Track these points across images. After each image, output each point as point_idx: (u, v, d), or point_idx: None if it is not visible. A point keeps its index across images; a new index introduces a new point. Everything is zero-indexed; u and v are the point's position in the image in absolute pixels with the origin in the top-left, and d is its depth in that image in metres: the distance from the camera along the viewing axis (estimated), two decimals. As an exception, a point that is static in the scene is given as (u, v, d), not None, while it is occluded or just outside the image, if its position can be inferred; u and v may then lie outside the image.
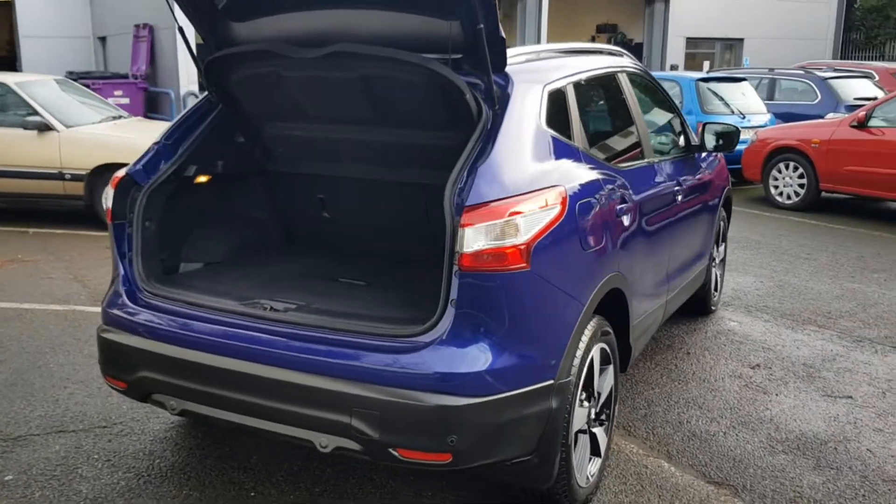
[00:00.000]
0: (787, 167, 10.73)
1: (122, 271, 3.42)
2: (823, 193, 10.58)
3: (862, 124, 9.84)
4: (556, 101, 3.43)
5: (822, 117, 12.42)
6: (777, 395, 4.76)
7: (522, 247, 2.81)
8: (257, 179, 4.12)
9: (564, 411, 3.05)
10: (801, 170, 10.58)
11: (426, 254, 4.03)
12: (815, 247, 8.60)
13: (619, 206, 3.56)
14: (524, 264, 2.82)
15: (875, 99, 13.64)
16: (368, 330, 2.91)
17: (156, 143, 3.57)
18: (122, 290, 3.40)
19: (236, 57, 3.43)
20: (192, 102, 16.76)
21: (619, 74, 4.33)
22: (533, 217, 2.87)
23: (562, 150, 3.31)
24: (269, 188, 4.17)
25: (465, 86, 3.09)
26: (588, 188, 3.30)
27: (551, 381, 2.98)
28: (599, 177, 3.46)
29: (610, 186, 3.52)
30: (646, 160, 4.31)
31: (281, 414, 2.95)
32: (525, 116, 3.17)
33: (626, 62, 4.58)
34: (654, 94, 4.94)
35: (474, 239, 2.76)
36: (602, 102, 4.19)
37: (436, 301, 2.86)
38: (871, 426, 4.37)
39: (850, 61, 20.50)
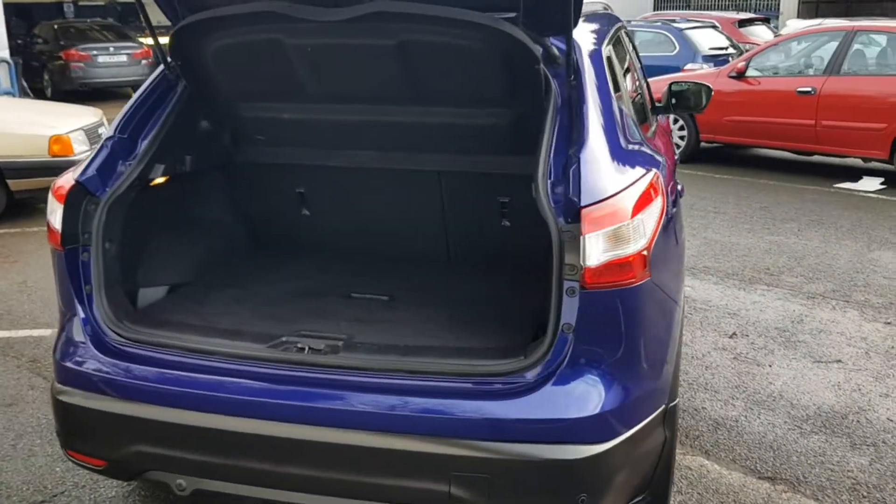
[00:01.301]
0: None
1: (79, 312, 2.57)
2: (703, 144, 10.72)
3: (741, 74, 9.98)
4: (611, 68, 2.91)
5: (680, 69, 12.60)
6: (770, 365, 4.57)
7: (645, 252, 2.29)
8: (225, 175, 3.31)
9: (674, 438, 2.60)
10: (680, 122, 10.64)
11: (440, 255, 3.42)
12: (716, 199, 8.63)
13: (676, 186, 3.11)
14: (646, 273, 2.30)
15: (727, 48, 14.09)
16: (456, 370, 2.30)
17: (109, 139, 2.70)
18: (82, 336, 2.56)
19: (222, 21, 2.61)
20: (2, 72, 14.53)
21: (621, 32, 3.86)
22: (649, 213, 2.35)
23: (630, 126, 2.80)
24: (238, 185, 3.37)
25: (538, 53, 2.49)
26: (662, 169, 2.81)
27: (664, 407, 2.50)
28: (655, 154, 2.99)
29: (664, 164, 3.06)
30: (652, 128, 3.88)
31: (349, 487, 2.29)
32: (602, 87, 2.63)
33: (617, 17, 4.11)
34: (635, 51, 4.51)
35: (598, 248, 2.20)
36: (623, 65, 3.71)
37: (511, 320, 2.30)
38: (876, 391, 4.25)
39: (691, 12, 21.20)
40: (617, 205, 2.25)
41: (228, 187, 3.37)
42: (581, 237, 2.19)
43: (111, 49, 17.17)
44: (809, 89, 9.33)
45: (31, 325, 5.12)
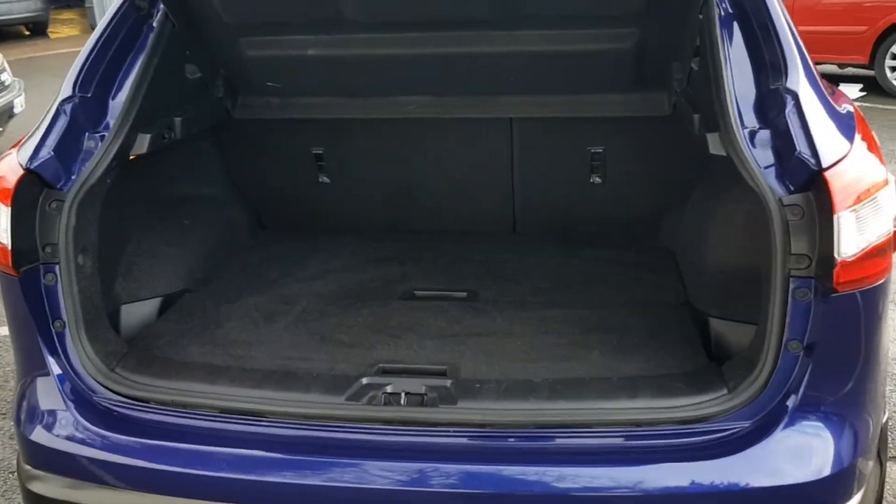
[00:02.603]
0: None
1: (51, 365, 1.74)
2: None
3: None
4: None
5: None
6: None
7: (896, 230, 1.62)
8: (220, 140, 2.46)
9: (886, 462, 1.97)
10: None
11: (504, 225, 2.67)
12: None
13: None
14: (892, 260, 1.63)
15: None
16: (632, 418, 1.60)
17: (66, 101, 1.83)
18: (58, 398, 1.75)
19: None
20: None
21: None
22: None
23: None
24: (239, 151, 2.52)
25: None
26: None
27: (882, 426, 1.87)
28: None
29: None
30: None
31: None
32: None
33: None
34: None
35: (855, 230, 1.51)
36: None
37: (660, 324, 1.69)
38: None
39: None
40: (865, 163, 1.55)
41: (225, 155, 2.52)
42: (834, 216, 1.48)
43: (-2, -18, 15.33)
44: (784, -8, 8.77)
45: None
